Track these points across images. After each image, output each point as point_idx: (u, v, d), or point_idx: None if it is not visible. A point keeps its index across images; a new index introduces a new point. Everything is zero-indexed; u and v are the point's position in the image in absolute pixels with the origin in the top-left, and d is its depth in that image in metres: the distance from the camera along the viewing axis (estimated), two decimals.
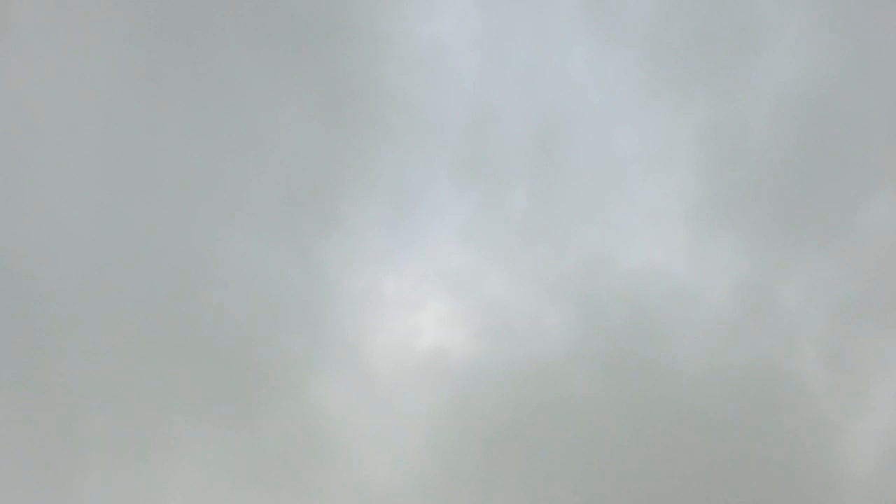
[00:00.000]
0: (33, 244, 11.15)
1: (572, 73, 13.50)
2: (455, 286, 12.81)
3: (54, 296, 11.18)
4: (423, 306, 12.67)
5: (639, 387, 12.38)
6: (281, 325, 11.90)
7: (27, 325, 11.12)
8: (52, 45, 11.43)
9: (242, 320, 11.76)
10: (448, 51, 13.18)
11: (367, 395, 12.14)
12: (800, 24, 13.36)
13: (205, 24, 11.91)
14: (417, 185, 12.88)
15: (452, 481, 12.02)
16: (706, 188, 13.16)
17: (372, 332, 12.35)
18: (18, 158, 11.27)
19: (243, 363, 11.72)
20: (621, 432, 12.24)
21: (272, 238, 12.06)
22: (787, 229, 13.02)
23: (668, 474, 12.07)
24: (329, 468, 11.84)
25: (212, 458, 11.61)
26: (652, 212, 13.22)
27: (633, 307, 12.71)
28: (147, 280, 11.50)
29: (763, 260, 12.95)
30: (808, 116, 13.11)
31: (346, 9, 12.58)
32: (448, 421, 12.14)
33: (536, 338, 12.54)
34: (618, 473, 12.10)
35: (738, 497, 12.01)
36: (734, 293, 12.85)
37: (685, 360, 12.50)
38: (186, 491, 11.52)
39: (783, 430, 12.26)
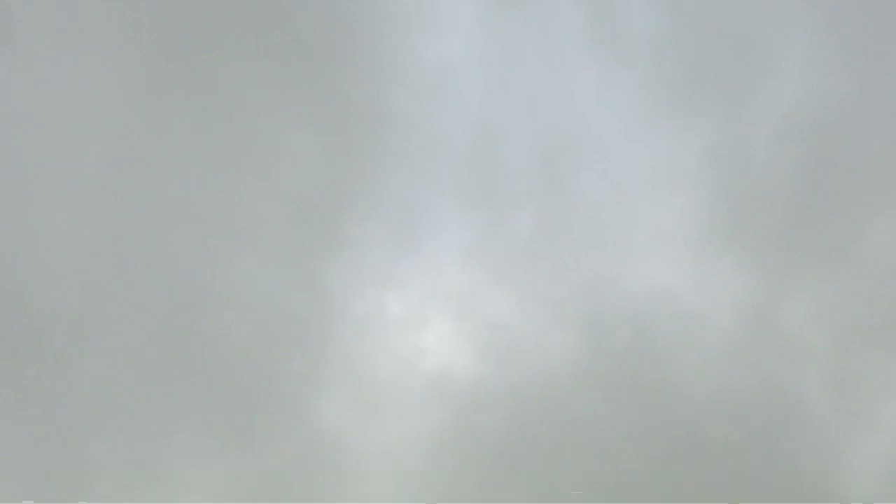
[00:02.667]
0: (41, 265, 11.24)
1: (577, 96, 13.58)
2: (459, 307, 12.88)
3: (62, 316, 11.27)
4: (426, 327, 12.71)
5: (642, 407, 12.40)
6: (286, 344, 11.96)
7: (36, 344, 11.20)
8: (59, 67, 11.55)
9: (248, 340, 11.83)
10: (454, 74, 13.29)
11: (371, 414, 12.18)
12: (803, 48, 13.43)
13: (211, 47, 12.03)
14: (422, 206, 12.96)
15: (455, 501, 12.03)
16: (710, 211, 13.21)
17: (376, 353, 12.40)
18: (26, 181, 11.38)
19: (248, 382, 11.79)
20: (624, 453, 12.24)
21: (277, 259, 12.14)
22: (790, 252, 13.05)
23: (670, 494, 12.05)
24: (332, 486, 11.87)
25: (217, 475, 11.66)
26: (656, 234, 13.26)
27: (636, 329, 12.75)
28: (154, 300, 11.58)
29: (766, 282, 12.99)
30: (811, 140, 13.17)
31: (353, 32, 12.69)
32: (451, 441, 12.17)
33: (540, 358, 12.57)
34: (620, 494, 12.09)
35: None
36: (737, 315, 12.88)
37: (688, 382, 12.52)
38: None
39: (786, 451, 12.26)
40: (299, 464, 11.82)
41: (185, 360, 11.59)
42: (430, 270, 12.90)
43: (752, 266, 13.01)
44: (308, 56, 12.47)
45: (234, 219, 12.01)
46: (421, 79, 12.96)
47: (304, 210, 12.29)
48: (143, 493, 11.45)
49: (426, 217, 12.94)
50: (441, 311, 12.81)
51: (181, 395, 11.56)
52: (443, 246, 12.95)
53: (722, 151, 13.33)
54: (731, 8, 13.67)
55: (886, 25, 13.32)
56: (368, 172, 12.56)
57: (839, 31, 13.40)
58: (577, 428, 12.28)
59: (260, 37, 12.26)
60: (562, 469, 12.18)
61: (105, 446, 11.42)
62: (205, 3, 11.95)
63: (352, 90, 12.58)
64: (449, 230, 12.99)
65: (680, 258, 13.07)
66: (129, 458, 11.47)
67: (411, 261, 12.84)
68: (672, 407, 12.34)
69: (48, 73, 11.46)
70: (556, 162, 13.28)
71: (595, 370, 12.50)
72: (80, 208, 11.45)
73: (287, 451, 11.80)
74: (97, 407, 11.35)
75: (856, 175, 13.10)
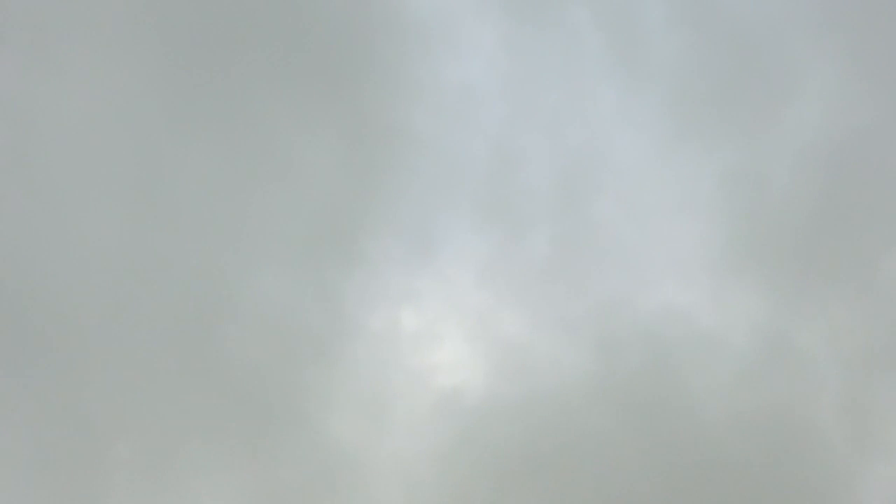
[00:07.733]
0: (59, 275, 11.39)
1: (597, 118, 13.64)
2: (474, 325, 12.89)
3: (78, 325, 11.41)
4: (441, 344, 12.75)
5: (655, 429, 12.37)
6: (299, 358, 12.03)
7: (51, 353, 11.35)
8: (78, 74, 11.72)
9: (262, 353, 11.90)
10: (474, 95, 13.38)
11: (383, 430, 12.21)
12: (825, 73, 13.44)
13: (234, 63, 12.19)
14: (439, 225, 13.02)
15: None
16: (728, 234, 13.21)
17: (389, 368, 12.44)
18: (46, 193, 11.57)
19: (262, 395, 11.87)
20: (636, 474, 12.21)
21: (294, 273, 12.22)
22: (807, 277, 13.01)
23: None
24: (343, 500, 11.91)
25: (228, 488, 11.73)
26: (673, 256, 13.27)
27: (651, 349, 12.72)
28: (170, 311, 11.70)
29: (783, 306, 12.94)
30: (831, 165, 13.16)
31: (375, 51, 12.82)
32: (462, 459, 12.17)
33: (553, 378, 12.56)
34: None
35: None
36: (753, 339, 12.84)
37: (702, 404, 12.48)
38: None
39: (798, 476, 12.17)
40: (311, 477, 11.87)
41: (198, 372, 11.69)
42: (446, 288, 12.96)
43: (768, 290, 12.98)
44: (330, 73, 12.63)
45: (250, 232, 12.12)
46: (441, 98, 13.08)
47: (320, 225, 12.38)
48: (157, 499, 11.54)
49: (443, 235, 13.02)
50: (456, 329, 12.85)
51: (194, 408, 11.65)
52: (459, 264, 13.01)
53: (741, 176, 13.34)
54: (754, 33, 13.71)
55: None
56: (386, 189, 12.65)
57: (863, 58, 13.41)
58: (590, 447, 12.26)
59: (282, 52, 12.41)
60: (573, 488, 12.16)
61: (116, 458, 11.50)
62: (226, 16, 12.15)
63: (372, 108, 12.70)
64: (465, 248, 13.06)
65: (696, 280, 13.07)
66: (139, 471, 11.53)
67: (427, 278, 12.90)
68: (685, 428, 12.30)
69: (66, 79, 11.65)
70: (574, 183, 13.34)
71: (609, 390, 12.49)
72: (97, 218, 11.59)
73: (299, 465, 11.85)
74: (109, 418, 11.45)
75: (875, 202, 13.08)
